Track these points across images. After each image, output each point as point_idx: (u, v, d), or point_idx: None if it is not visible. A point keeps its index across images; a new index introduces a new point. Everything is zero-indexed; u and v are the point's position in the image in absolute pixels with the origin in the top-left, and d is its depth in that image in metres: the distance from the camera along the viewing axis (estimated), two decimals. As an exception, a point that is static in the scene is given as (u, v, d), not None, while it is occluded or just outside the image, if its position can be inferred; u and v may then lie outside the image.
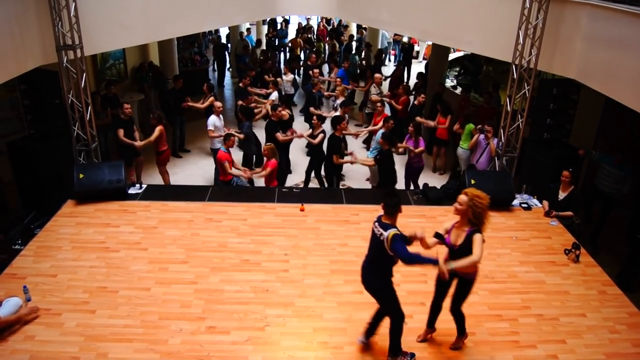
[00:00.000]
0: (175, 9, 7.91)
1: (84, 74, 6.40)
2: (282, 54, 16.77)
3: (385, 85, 12.53)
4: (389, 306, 3.93)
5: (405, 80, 14.26)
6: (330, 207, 6.44)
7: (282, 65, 14.63)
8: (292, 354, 4.11)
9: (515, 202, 6.54)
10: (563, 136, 7.19)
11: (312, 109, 9.43)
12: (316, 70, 11.17)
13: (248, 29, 15.63)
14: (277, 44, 16.51)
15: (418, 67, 16.82)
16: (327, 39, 17.24)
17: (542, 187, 6.63)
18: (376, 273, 3.89)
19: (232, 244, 5.57)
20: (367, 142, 9.97)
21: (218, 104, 8.15)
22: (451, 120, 8.72)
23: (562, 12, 6.25)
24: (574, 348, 4.23)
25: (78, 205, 6.22)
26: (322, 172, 7.86)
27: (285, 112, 8.46)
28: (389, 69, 16.94)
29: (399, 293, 3.91)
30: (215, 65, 15.45)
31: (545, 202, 6.35)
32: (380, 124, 8.15)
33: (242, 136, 8.02)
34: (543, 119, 7.06)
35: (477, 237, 3.68)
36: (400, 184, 7.76)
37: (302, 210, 6.31)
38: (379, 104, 9.02)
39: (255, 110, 8.78)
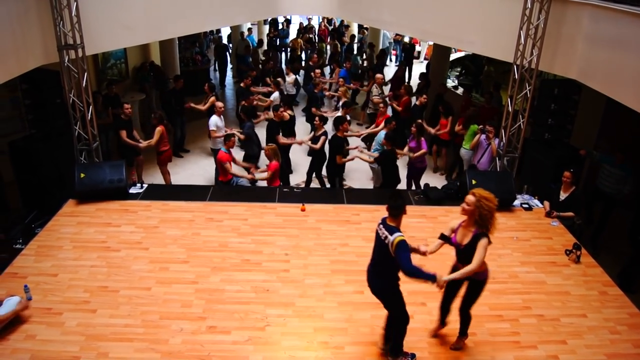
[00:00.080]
0: (177, 8, 7.91)
1: (85, 74, 6.41)
2: (283, 54, 16.78)
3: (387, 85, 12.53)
4: (393, 308, 3.92)
5: (407, 80, 14.25)
6: (331, 207, 6.44)
7: (283, 66, 14.63)
8: (293, 354, 4.11)
9: (516, 202, 6.54)
10: (564, 136, 7.19)
11: (314, 109, 9.43)
12: (318, 71, 11.19)
13: (249, 29, 15.60)
14: (278, 44, 16.49)
15: (419, 67, 16.80)
16: (329, 39, 17.22)
17: (543, 187, 6.62)
18: (381, 276, 3.87)
19: (233, 244, 5.57)
20: (368, 141, 9.94)
21: (219, 104, 8.14)
22: (452, 120, 8.72)
23: (564, 12, 6.25)
24: (575, 348, 4.23)
25: (79, 204, 6.23)
26: (324, 173, 7.85)
27: (286, 113, 8.45)
28: (390, 69, 16.92)
29: (399, 293, 3.91)
30: (217, 65, 15.45)
31: (546, 203, 6.34)
32: (382, 124, 8.15)
33: (242, 137, 8.03)
34: (544, 119, 7.06)
35: (481, 243, 3.63)
36: (402, 184, 7.75)
37: (303, 210, 6.31)
38: (381, 105, 9.02)
39: (259, 112, 8.76)
